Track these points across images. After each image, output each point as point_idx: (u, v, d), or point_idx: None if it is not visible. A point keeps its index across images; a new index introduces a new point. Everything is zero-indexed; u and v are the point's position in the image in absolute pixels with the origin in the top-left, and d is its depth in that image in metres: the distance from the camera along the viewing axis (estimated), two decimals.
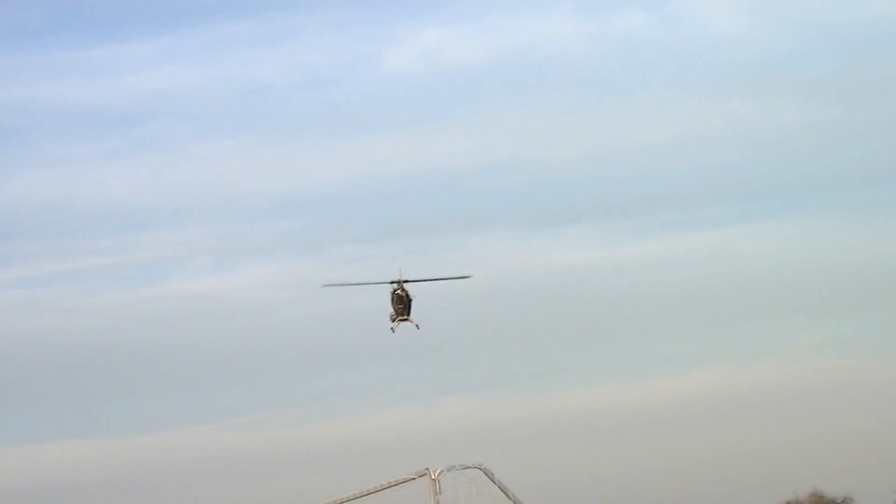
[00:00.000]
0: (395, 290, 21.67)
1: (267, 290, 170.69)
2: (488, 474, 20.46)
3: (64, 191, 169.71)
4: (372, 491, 23.12)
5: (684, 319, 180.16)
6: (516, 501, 19.49)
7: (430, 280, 21.10)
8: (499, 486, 20.11)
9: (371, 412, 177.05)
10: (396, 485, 22.23)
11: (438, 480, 20.20)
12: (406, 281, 21.74)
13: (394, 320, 22.53)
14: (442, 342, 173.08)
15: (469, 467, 20.74)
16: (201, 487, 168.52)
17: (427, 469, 20.49)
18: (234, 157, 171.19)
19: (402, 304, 21.58)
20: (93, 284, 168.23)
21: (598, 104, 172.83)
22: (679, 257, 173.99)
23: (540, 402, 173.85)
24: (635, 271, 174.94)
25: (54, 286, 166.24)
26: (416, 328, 22.25)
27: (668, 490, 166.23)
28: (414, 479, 21.19)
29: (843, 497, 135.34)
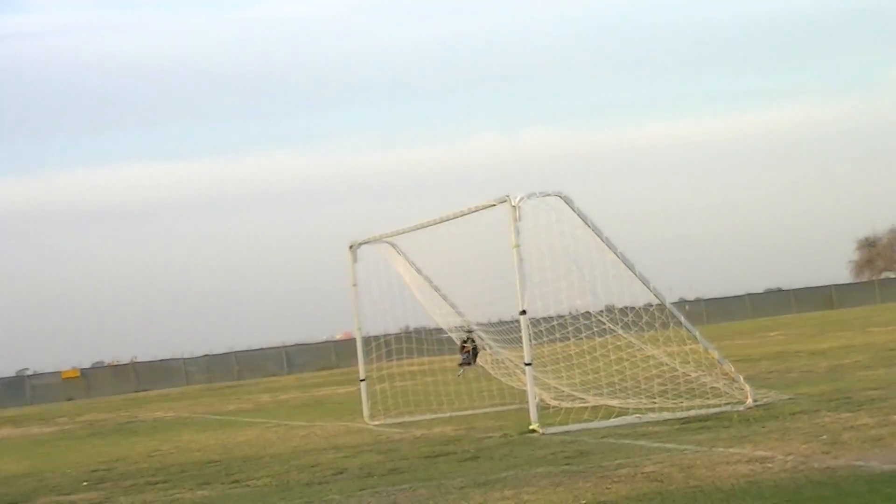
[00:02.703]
0: (463, 341, 21.94)
1: (348, 16, 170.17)
2: (568, 202, 20.30)
3: None
4: (452, 217, 23.07)
5: (774, 50, 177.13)
6: (595, 230, 19.40)
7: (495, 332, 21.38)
8: (578, 214, 20.04)
9: (453, 140, 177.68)
10: (476, 211, 22.15)
11: (518, 207, 20.01)
12: (472, 331, 21.86)
13: (461, 365, 23.02)
14: (525, 69, 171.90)
15: (549, 195, 20.58)
16: (282, 211, 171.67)
17: (507, 196, 20.37)
18: None
19: (471, 354, 21.97)
20: None
21: None
22: None
23: (623, 133, 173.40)
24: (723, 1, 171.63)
25: None
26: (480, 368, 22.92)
27: (749, 223, 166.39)
28: (494, 205, 21.07)
29: None
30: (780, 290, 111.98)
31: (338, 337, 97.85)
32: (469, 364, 22.29)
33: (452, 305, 28.49)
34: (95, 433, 35.68)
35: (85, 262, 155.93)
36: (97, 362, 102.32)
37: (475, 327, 22.64)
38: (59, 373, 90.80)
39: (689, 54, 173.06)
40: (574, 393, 24.97)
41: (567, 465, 15.25)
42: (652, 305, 22.34)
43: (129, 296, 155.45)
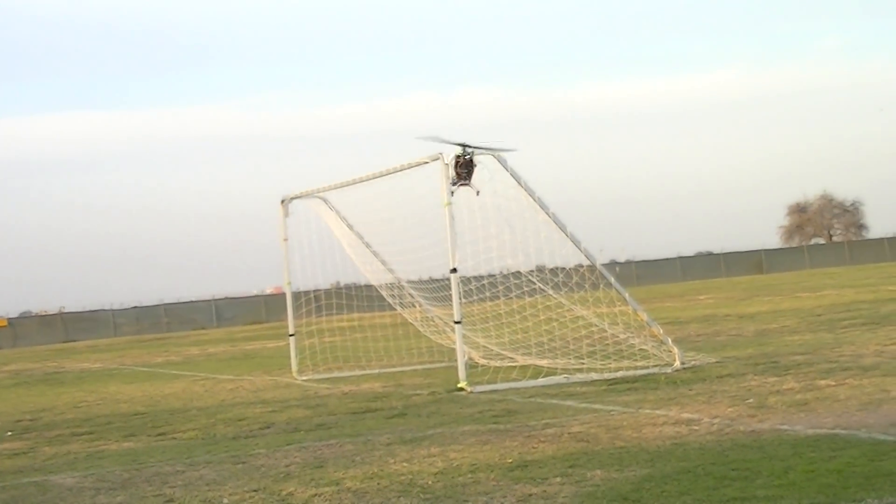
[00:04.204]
0: (458, 156, 21.02)
1: None
2: (501, 161, 20.17)
3: None
4: (384, 173, 22.92)
5: (708, 17, 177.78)
6: (528, 189, 19.35)
7: (495, 150, 20.54)
8: (511, 174, 19.95)
9: (388, 97, 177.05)
10: (409, 168, 22.03)
11: (451, 164, 20.02)
12: (467, 146, 21.00)
13: (454, 184, 21.98)
14: (460, 29, 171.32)
15: (482, 153, 20.49)
16: (214, 164, 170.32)
17: (440, 153, 20.29)
18: None
19: (465, 170, 20.98)
20: None
21: None
22: None
23: (556, 94, 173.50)
24: None
25: None
26: (476, 194, 21.73)
27: (681, 187, 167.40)
28: (427, 162, 20.97)
29: (853, 200, 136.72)
30: (710, 254, 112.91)
31: (268, 291, 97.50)
32: (466, 184, 21.01)
33: (383, 262, 28.41)
34: (21, 383, 35.30)
35: (14, 211, 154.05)
36: (25, 312, 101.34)
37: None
38: None
39: (623, 17, 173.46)
40: (503, 352, 25.01)
41: (494, 423, 15.26)
42: (582, 266, 22.37)
43: (58, 245, 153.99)
